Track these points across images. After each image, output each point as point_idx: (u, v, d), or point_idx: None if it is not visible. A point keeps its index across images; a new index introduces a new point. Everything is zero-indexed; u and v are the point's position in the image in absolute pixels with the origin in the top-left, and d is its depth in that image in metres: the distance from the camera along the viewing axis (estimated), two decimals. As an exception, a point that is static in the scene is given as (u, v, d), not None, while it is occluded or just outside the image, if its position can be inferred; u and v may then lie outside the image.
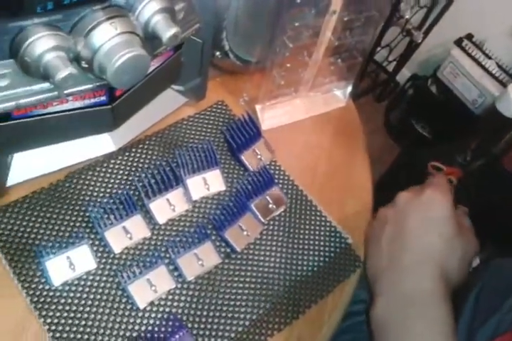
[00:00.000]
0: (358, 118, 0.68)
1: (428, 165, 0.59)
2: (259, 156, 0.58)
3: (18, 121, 0.44)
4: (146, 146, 0.56)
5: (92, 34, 0.38)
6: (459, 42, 1.28)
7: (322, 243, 0.55)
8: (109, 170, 0.53)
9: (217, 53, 0.57)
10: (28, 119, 0.44)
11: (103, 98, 0.47)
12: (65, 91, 0.42)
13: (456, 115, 1.35)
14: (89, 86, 0.43)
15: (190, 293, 0.48)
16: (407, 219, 0.51)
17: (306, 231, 0.55)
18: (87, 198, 0.51)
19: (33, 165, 0.50)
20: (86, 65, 0.40)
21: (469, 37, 1.28)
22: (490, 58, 1.25)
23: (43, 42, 0.36)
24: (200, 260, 0.49)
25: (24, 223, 0.48)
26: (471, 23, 1.31)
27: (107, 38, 0.38)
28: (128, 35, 0.40)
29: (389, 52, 1.49)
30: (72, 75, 0.37)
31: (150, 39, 0.42)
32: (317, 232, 0.55)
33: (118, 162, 0.54)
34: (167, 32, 0.41)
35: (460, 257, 0.50)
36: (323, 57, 0.59)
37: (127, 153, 0.55)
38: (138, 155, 0.55)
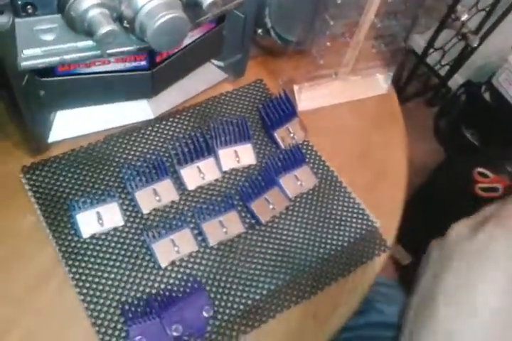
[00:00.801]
0: (399, 106, 0.67)
1: (474, 171, 0.56)
2: (292, 135, 0.58)
3: (61, 77, 0.46)
4: (182, 117, 0.57)
5: (135, -6, 0.40)
6: (516, 48, 1.24)
7: (348, 224, 0.54)
8: (146, 137, 0.55)
9: (259, 31, 0.58)
10: (72, 77, 0.47)
11: (143, 63, 0.49)
12: (107, 51, 0.44)
13: (509, 124, 1.30)
14: (130, 48, 0.45)
15: (212, 257, 0.49)
16: (446, 271, 0.35)
17: (333, 211, 0.55)
18: (122, 160, 0.53)
19: (74, 125, 0.52)
20: (128, 25, 0.42)
21: (528, 43, 1.24)
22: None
23: (89, -1, 0.39)
24: (224, 227, 0.50)
25: (61, 178, 0.51)
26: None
27: (149, -1, 0.40)
28: (170, -2, 0.41)
29: (442, 55, 1.46)
30: (113, 32, 0.39)
31: (192, 6, 0.44)
32: (344, 213, 0.55)
33: (155, 129, 0.56)
34: (208, -2, 0.43)
35: None
36: (366, 40, 0.59)
37: (164, 122, 0.57)
38: (174, 124, 0.57)
